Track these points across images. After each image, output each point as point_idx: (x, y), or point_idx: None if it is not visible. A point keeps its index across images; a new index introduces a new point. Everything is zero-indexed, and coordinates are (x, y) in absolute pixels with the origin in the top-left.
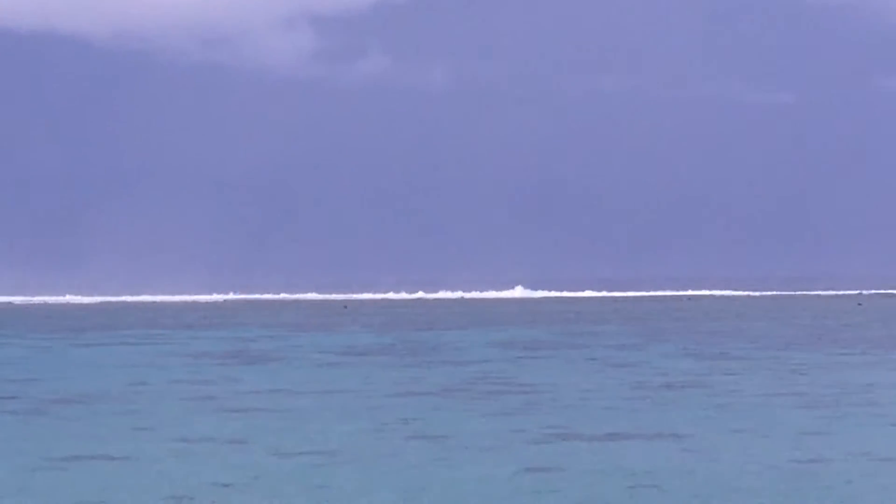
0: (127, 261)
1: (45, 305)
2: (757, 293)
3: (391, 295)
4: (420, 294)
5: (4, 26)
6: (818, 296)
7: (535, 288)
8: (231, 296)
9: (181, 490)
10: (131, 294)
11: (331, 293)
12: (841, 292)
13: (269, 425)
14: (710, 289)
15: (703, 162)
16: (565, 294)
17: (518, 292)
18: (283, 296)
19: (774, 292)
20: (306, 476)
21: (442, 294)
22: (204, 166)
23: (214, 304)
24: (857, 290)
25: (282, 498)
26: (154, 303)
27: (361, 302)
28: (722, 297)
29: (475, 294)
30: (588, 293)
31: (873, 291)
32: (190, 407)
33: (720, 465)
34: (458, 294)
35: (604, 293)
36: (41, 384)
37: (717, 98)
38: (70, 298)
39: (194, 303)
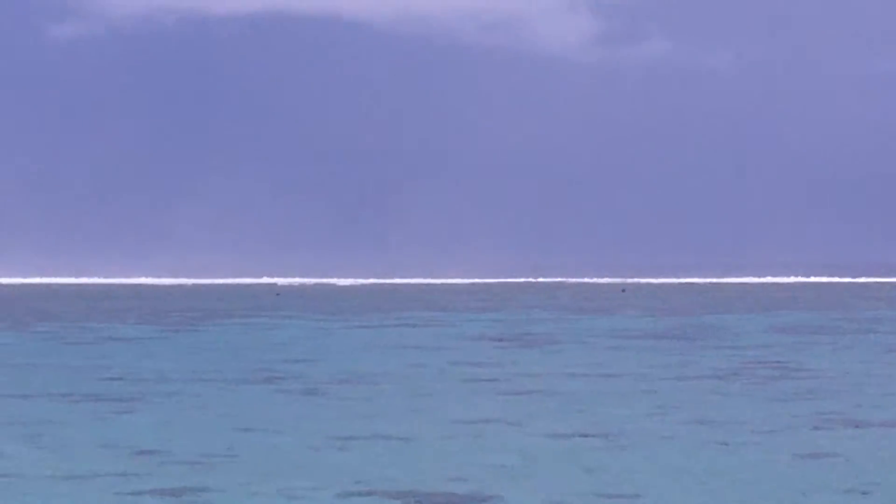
0: (422, 244)
1: (335, 287)
2: None
3: (669, 279)
4: (697, 279)
5: (294, 10)
6: None
7: (813, 273)
8: (510, 279)
9: (458, 471)
10: (423, 276)
11: (606, 277)
12: None
13: (546, 408)
14: None
15: None
16: (846, 280)
17: (798, 277)
18: (559, 279)
19: None
20: (583, 459)
21: (720, 279)
22: (485, 149)
23: (496, 286)
24: None
25: (559, 480)
26: (440, 285)
27: (639, 285)
28: None
29: (752, 279)
30: (864, 279)
31: None
32: (468, 389)
33: None
34: (742, 279)
35: (881, 279)
36: (321, 365)
37: None
38: (367, 280)
39: (473, 285)
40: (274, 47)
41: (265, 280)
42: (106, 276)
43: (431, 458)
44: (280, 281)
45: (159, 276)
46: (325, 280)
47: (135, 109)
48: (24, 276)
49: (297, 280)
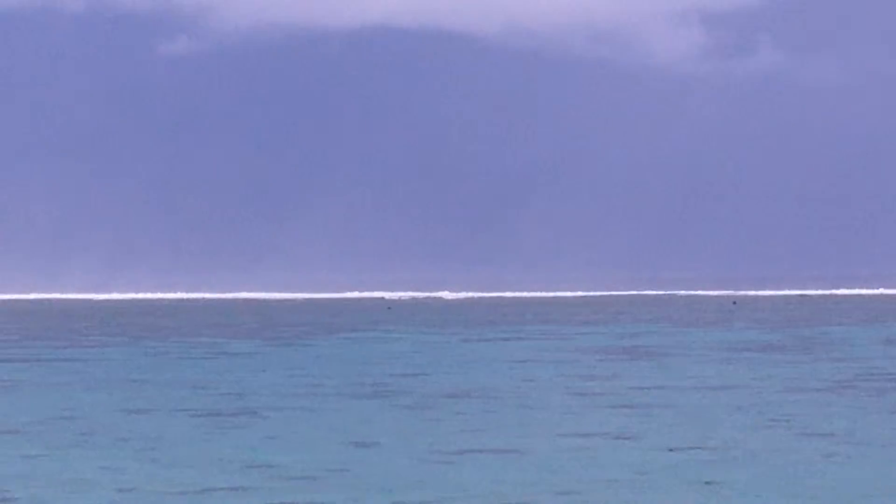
0: (533, 257)
1: (445, 301)
2: None
3: (781, 291)
4: (809, 290)
5: (395, 24)
6: None
7: None
8: (621, 292)
9: (570, 485)
10: (534, 290)
11: (717, 289)
12: None
13: (657, 421)
14: None
15: None
16: None
17: None
18: (670, 292)
19: None
20: (695, 472)
21: (832, 291)
22: (594, 163)
23: (607, 299)
24: None
25: (670, 494)
26: (551, 298)
27: (750, 298)
28: None
29: (864, 290)
30: None
31: None
32: (579, 402)
33: None
34: (854, 290)
35: None
36: (432, 379)
37: None
38: (477, 294)
39: (584, 298)
40: (383, 62)
41: (376, 294)
42: (219, 291)
43: (542, 472)
44: (391, 295)
45: (271, 291)
46: (435, 294)
47: (244, 125)
48: (138, 292)
49: (407, 294)
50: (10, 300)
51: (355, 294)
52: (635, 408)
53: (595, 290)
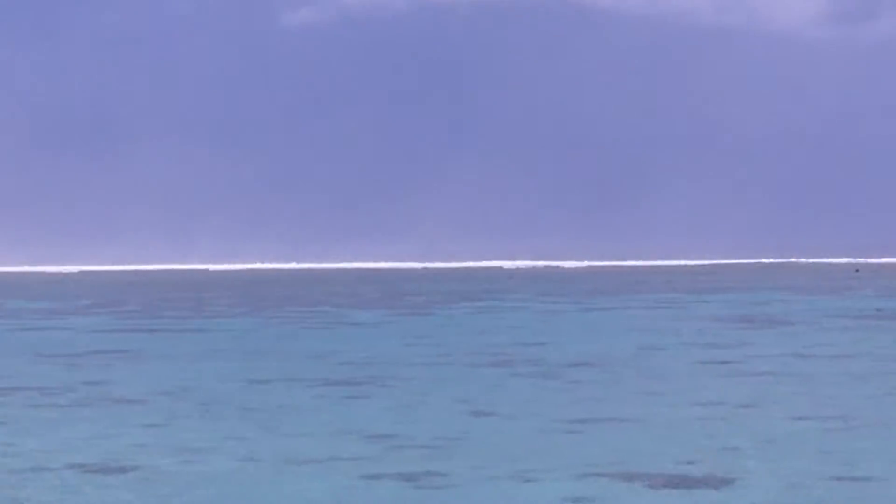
0: (657, 227)
1: (565, 270)
2: None
3: None
4: None
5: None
6: None
7: None
8: (744, 260)
9: (693, 454)
10: (657, 258)
11: (840, 257)
12: None
13: (780, 389)
14: None
15: None
16: None
17: None
18: (792, 259)
19: None
20: (818, 441)
21: None
22: (721, 133)
23: (730, 267)
24: None
25: (793, 462)
26: (674, 266)
27: (873, 265)
28: None
29: None
30: None
31: None
32: (701, 370)
33: None
34: None
35: None
36: (554, 348)
37: None
38: (599, 263)
39: (706, 267)
40: (510, 33)
41: (496, 263)
42: (342, 261)
43: (665, 441)
44: (511, 264)
45: (393, 261)
46: (555, 263)
47: (371, 96)
48: (264, 262)
49: (528, 263)
50: (140, 270)
51: (480, 263)
52: (758, 376)
53: (716, 259)
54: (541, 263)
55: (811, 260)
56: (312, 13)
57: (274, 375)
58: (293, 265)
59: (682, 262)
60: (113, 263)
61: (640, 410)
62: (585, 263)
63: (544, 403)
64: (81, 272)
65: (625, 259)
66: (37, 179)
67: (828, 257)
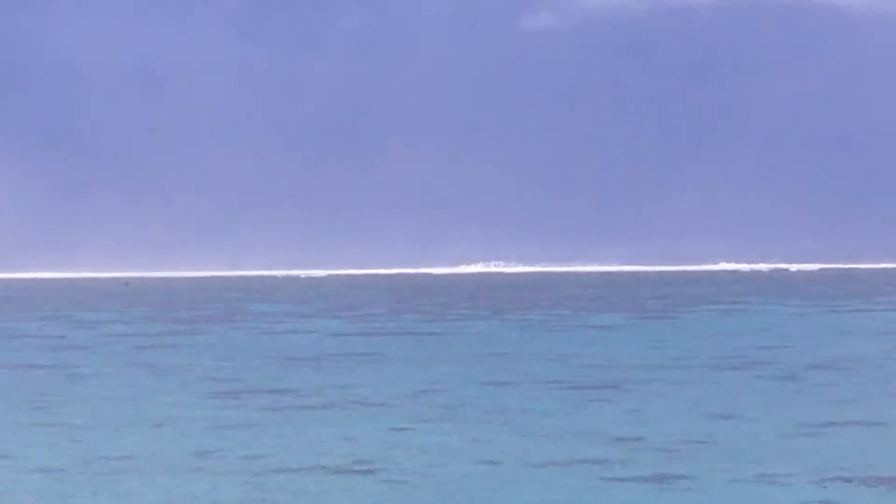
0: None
1: (802, 273)
2: None
3: None
4: None
5: None
6: None
7: None
8: None
9: None
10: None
11: None
12: None
13: None
14: None
15: None
16: None
17: None
18: None
19: None
20: None
21: None
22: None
23: None
24: None
25: None
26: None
27: None
28: None
29: None
30: None
31: None
32: None
33: None
34: None
35: None
36: (796, 350)
37: None
38: (834, 266)
39: None
40: (750, 33)
41: (729, 266)
42: (580, 264)
43: None
44: (742, 267)
45: (640, 264)
46: (782, 265)
47: (611, 99)
48: (507, 266)
49: (757, 265)
50: (383, 275)
51: (717, 266)
52: None
53: None
54: (766, 267)
55: None
56: (553, 18)
57: (515, 378)
58: (530, 269)
59: None
60: (353, 268)
61: (886, 413)
62: (815, 266)
63: (787, 406)
64: (329, 276)
65: (860, 262)
66: (286, 184)
67: None
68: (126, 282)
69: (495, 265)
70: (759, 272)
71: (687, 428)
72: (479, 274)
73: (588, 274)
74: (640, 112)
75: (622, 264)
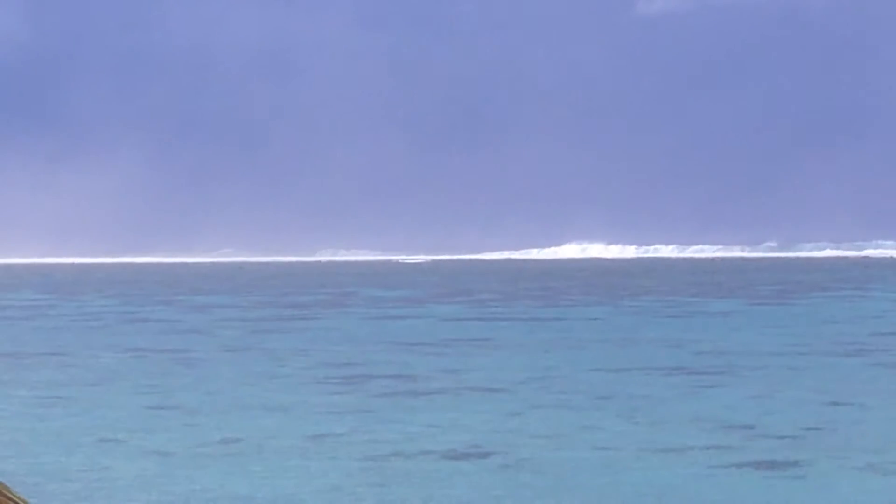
0: None
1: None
2: None
3: None
4: None
5: None
6: None
7: None
8: None
9: None
10: None
11: None
12: None
13: None
14: None
15: None
16: None
17: None
18: None
19: None
20: None
21: None
22: None
23: None
24: None
25: None
26: None
27: None
28: None
29: None
30: None
31: None
32: None
33: None
34: None
35: None
36: None
37: None
38: None
39: None
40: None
41: (850, 254)
42: (699, 250)
43: None
44: (862, 253)
45: (741, 250)
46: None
47: (732, 84)
48: (623, 251)
49: (886, 252)
50: (483, 260)
51: (832, 253)
52: None
53: None
54: (880, 254)
55: None
56: (669, 2)
57: (630, 364)
58: (646, 254)
59: None
60: (460, 253)
61: None
62: None
63: None
64: (433, 261)
65: None
66: (405, 170)
67: None
68: (241, 266)
69: (608, 249)
70: (870, 259)
71: (800, 415)
72: (593, 259)
73: (697, 259)
74: (760, 99)
75: (738, 250)
